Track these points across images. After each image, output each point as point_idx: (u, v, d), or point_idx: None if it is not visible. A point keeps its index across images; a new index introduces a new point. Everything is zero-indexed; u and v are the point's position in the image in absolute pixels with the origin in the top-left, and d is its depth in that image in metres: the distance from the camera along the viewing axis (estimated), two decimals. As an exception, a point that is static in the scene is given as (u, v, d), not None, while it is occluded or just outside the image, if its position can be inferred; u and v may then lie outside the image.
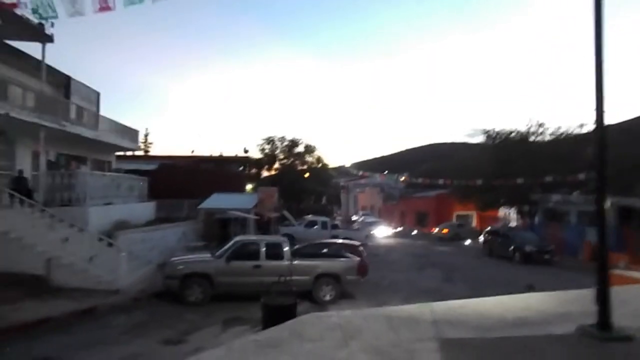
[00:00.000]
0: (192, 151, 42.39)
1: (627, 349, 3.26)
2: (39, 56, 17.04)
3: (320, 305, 12.71)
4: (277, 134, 40.71)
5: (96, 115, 23.14)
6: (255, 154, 40.59)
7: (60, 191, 15.25)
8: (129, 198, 20.55)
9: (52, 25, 15.34)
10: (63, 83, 21.72)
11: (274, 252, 12.84)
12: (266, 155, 39.42)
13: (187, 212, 25.03)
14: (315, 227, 27.44)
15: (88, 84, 23.99)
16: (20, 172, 14.77)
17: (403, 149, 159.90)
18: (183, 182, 27.65)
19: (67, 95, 21.62)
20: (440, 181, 33.36)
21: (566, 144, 29.67)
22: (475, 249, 28.82)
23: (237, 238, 13.50)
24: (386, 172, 56.77)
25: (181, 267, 12.28)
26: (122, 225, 17.15)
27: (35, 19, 12.17)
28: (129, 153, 33.74)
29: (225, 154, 42.70)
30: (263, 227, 23.63)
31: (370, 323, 5.44)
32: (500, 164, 30.68)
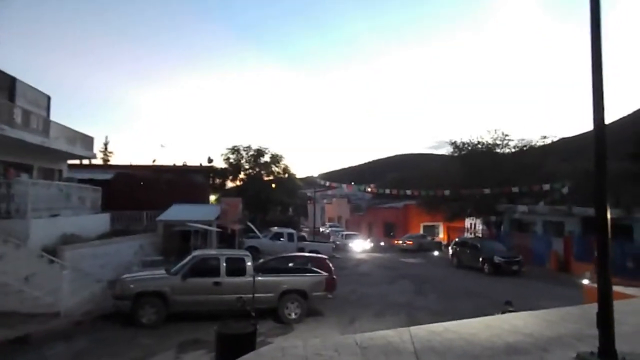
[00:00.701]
0: (154, 160, 40.49)
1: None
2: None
3: (285, 324, 11.83)
4: (242, 143, 39.57)
5: (45, 120, 21.56)
6: (220, 163, 39.28)
7: (-6, 202, 13.77)
8: (81, 209, 19.07)
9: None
10: (7, 85, 20.09)
11: (236, 267, 11.88)
12: (231, 165, 38.12)
13: (146, 224, 23.63)
14: (281, 239, 26.50)
15: (39, 87, 22.35)
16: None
17: (369, 159, 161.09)
18: (142, 192, 26.19)
19: (12, 98, 20.02)
20: (408, 191, 33.15)
21: (530, 155, 30.11)
22: (444, 259, 28.57)
23: (196, 253, 12.45)
24: (353, 182, 56.52)
25: (132, 285, 11.12)
26: (70, 240, 15.70)
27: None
28: (86, 162, 32.07)
29: (190, 164, 41.22)
30: (226, 239, 22.51)
31: (343, 355, 4.59)
32: (467, 174, 30.83)
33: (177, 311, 11.34)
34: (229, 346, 5.92)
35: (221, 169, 38.27)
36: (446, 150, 34.49)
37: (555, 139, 32.88)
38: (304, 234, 34.63)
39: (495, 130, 31.55)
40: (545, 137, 31.07)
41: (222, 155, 38.48)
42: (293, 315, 12.03)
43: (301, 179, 52.82)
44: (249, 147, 38.90)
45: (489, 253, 22.44)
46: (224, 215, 21.07)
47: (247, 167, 38.81)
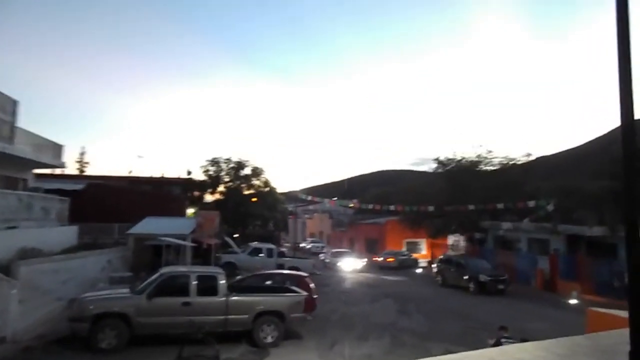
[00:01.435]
0: (130, 172, 39.18)
1: None
2: None
3: (260, 348, 10.87)
4: (222, 155, 38.65)
5: (10, 125, 20.37)
6: (200, 176, 38.18)
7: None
8: (45, 221, 17.85)
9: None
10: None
11: (207, 286, 10.91)
12: (210, 177, 37.09)
13: (117, 237, 22.42)
14: (260, 255, 25.48)
15: (16, 95, 21.14)
16: None
17: (352, 175, 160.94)
18: (115, 204, 24.96)
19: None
20: (391, 207, 32.58)
21: (513, 172, 29.94)
22: (428, 277, 27.88)
23: (164, 270, 11.43)
24: (336, 198, 55.77)
25: (91, 306, 10.04)
26: (30, 254, 14.51)
27: None
28: (60, 171, 30.63)
29: (169, 176, 40.03)
30: (202, 254, 21.43)
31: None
32: (451, 190, 30.47)
33: (142, 334, 10.29)
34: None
35: (200, 181, 37.21)
36: (428, 167, 34.27)
37: (533, 158, 32.93)
38: (284, 249, 33.58)
39: (480, 147, 31.41)
40: (529, 155, 31.07)
41: (201, 167, 37.51)
42: (269, 339, 11.08)
43: (283, 194, 51.89)
44: (229, 160, 38.02)
45: (475, 271, 21.83)
46: (200, 229, 20.04)
47: (226, 179, 37.84)
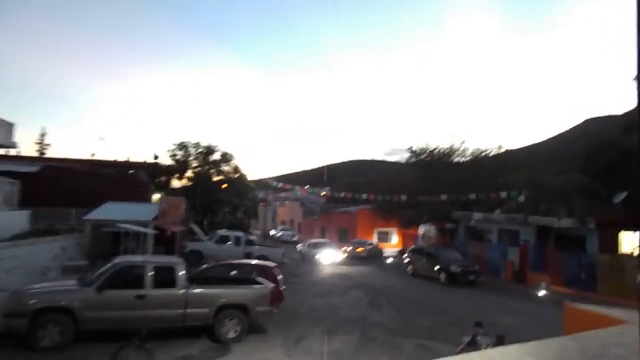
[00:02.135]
0: (93, 155, 37.32)
1: None
2: None
3: (222, 344, 10.13)
4: (191, 140, 37.26)
5: None
6: (167, 161, 36.71)
7: None
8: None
9: None
10: None
11: (165, 277, 10.05)
12: (177, 162, 35.73)
13: (75, 223, 21.09)
14: (228, 243, 24.57)
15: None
16: None
17: (324, 164, 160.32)
18: (73, 187, 23.49)
19: None
20: (364, 196, 32.17)
21: (486, 163, 29.93)
22: (399, 267, 27.60)
23: (117, 259, 10.48)
24: (307, 186, 55.10)
25: (32, 300, 9.04)
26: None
27: None
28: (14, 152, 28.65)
29: (134, 160, 38.32)
30: (165, 243, 20.40)
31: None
32: (423, 180, 30.25)
33: (90, 330, 9.39)
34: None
35: (167, 166, 35.80)
36: (401, 157, 33.97)
37: (504, 150, 33.07)
38: (253, 237, 32.72)
39: (453, 138, 31.26)
40: (500, 147, 31.15)
41: (168, 151, 36.07)
42: (232, 334, 10.35)
43: (254, 181, 50.87)
44: (197, 144, 36.70)
45: (446, 262, 21.59)
46: (163, 216, 18.99)
47: (195, 165, 36.57)
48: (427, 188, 28.82)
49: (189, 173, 36.32)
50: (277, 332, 11.32)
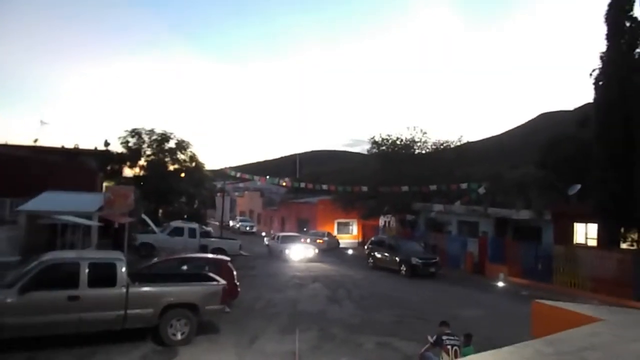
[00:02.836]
0: (36, 140, 34.70)
1: None
2: None
3: (168, 346, 9.24)
4: (145, 126, 35.26)
5: None
6: (119, 148, 34.60)
7: None
8: None
9: None
10: None
11: (103, 275, 8.99)
12: (130, 149, 33.74)
13: (9, 214, 19.35)
14: (182, 235, 23.37)
15: None
16: None
17: (284, 154, 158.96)
18: (9, 175, 21.54)
19: None
20: (324, 186, 31.58)
21: (446, 155, 30.00)
22: (359, 259, 27.27)
23: (46, 256, 9.30)
24: (268, 176, 53.97)
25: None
26: None
27: None
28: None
29: (82, 147, 35.98)
30: (112, 235, 19.03)
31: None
32: (384, 172, 29.98)
33: (11, 338, 8.26)
34: None
35: (118, 153, 33.77)
36: (362, 148, 33.59)
37: (461, 142, 33.39)
38: (210, 228, 31.54)
39: (414, 128, 31.09)
40: (461, 138, 31.32)
41: (119, 138, 33.99)
42: (179, 336, 9.45)
43: (213, 171, 49.23)
44: (152, 131, 34.78)
45: (406, 254, 21.35)
46: (109, 206, 17.62)
47: (149, 153, 34.70)
48: (388, 179, 28.57)
49: (142, 161, 34.43)
50: (230, 332, 10.53)
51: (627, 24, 17.73)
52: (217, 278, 10.73)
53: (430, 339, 7.48)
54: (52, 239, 16.58)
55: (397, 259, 21.62)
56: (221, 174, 50.64)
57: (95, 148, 35.22)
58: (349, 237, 39.96)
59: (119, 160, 33.78)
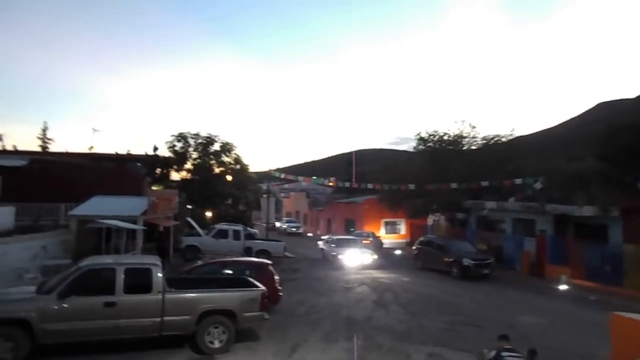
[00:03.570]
0: (91, 148, 36.16)
1: None
2: None
3: (206, 355, 8.90)
4: (192, 130, 35.91)
5: None
6: (166, 152, 35.42)
7: None
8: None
9: None
10: None
11: (139, 281, 8.78)
12: (176, 153, 34.43)
13: (63, 219, 19.96)
14: (226, 237, 23.38)
15: None
16: None
17: (330, 154, 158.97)
18: (63, 182, 22.33)
19: None
20: (369, 185, 30.77)
21: (498, 150, 28.35)
22: (407, 260, 26.27)
23: (85, 262, 9.23)
24: (314, 177, 53.73)
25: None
26: None
27: None
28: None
29: (134, 153, 37.13)
30: (158, 239, 19.22)
31: None
32: (432, 168, 28.76)
33: (50, 343, 8.18)
34: None
35: (165, 158, 34.54)
36: (408, 146, 32.43)
37: (513, 136, 31.53)
38: (255, 230, 31.50)
39: (462, 122, 29.60)
40: (512, 132, 29.55)
41: (167, 143, 34.78)
42: (217, 344, 9.10)
43: (258, 173, 49.52)
44: (197, 135, 35.37)
45: (457, 254, 20.20)
46: (153, 210, 17.74)
47: (194, 156, 35.28)
48: (436, 176, 27.36)
49: (189, 165, 35.05)
50: (270, 339, 10.06)
51: None
52: (257, 283, 10.30)
53: (488, 354, 6.65)
54: (99, 243, 16.87)
55: (447, 259, 20.51)
56: (266, 175, 50.92)
57: (145, 153, 36.21)
58: (397, 237, 38.91)
59: (166, 164, 34.53)
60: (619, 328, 6.13)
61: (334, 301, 14.69)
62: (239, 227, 24.47)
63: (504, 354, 6.33)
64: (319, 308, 13.56)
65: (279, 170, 55.52)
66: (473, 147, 29.89)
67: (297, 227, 50.23)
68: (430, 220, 32.62)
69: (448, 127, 30.68)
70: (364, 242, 29.12)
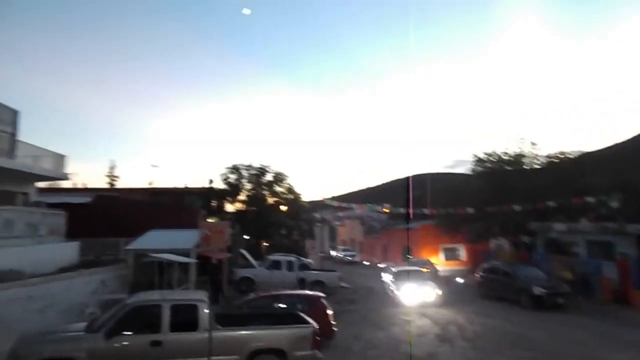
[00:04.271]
0: (150, 183, 37.73)
1: None
2: None
3: (256, 398, 8.35)
4: (243, 162, 36.60)
5: (10, 137, 19.17)
6: (220, 184, 36.18)
7: None
8: (32, 238, 16.07)
9: None
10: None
11: (185, 318, 8.47)
12: (230, 185, 35.04)
13: (121, 253, 20.53)
14: (280, 268, 23.03)
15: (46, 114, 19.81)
16: None
17: (385, 181, 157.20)
18: (123, 217, 23.18)
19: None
20: (425, 211, 29.56)
21: (564, 167, 26.39)
22: (469, 288, 24.63)
23: (131, 299, 9.10)
24: (368, 204, 52.86)
25: (23, 352, 7.78)
26: (5, 277, 12.64)
27: None
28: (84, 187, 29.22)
29: (191, 186, 38.29)
30: (211, 271, 19.16)
31: None
32: (491, 190, 27.16)
33: (100, 383, 7.98)
34: None
35: (220, 190, 35.22)
36: (464, 168, 30.96)
37: (583, 152, 29.33)
38: (310, 260, 30.96)
39: (522, 140, 27.92)
40: (580, 147, 27.50)
41: (221, 175, 35.54)
42: (267, 385, 8.54)
43: (311, 202, 49.47)
44: (250, 166, 35.91)
45: (526, 282, 18.52)
46: (206, 243, 17.75)
47: (248, 187, 35.73)
48: (496, 198, 25.77)
49: (242, 196, 35.50)
50: (325, 380, 9.36)
51: None
52: (308, 319, 9.70)
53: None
54: (154, 277, 17.01)
55: (515, 287, 18.87)
56: (320, 204, 50.71)
57: (202, 187, 37.15)
58: (457, 263, 36.96)
59: (221, 196, 35.16)
60: None
61: (392, 335, 13.73)
62: (292, 258, 24.07)
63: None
64: (376, 343, 12.68)
65: (332, 198, 55.16)
66: (535, 166, 28.06)
67: (353, 256, 49.26)
68: (492, 244, 30.70)
69: (506, 146, 29.08)
70: (424, 270, 27.10)
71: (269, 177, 35.91)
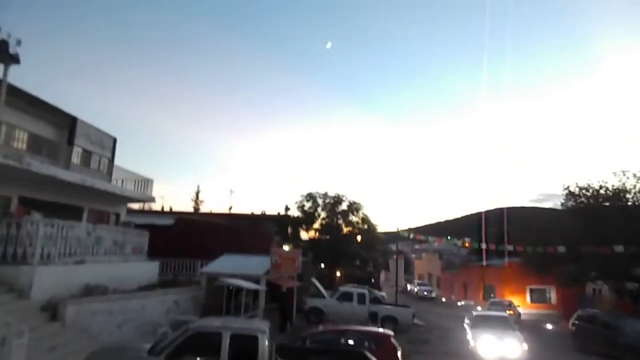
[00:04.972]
0: (230, 208, 39.23)
1: None
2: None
3: None
4: (319, 190, 36.85)
5: (108, 161, 21.08)
6: (296, 212, 36.66)
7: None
8: (118, 256, 17.06)
9: (19, 43, 12.92)
10: (67, 124, 19.45)
11: (244, 348, 8.24)
12: (305, 213, 35.31)
13: (197, 275, 21.25)
14: (351, 300, 22.34)
15: (104, 129, 21.78)
16: None
17: (466, 213, 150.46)
18: (201, 239, 24.18)
19: (71, 137, 19.42)
20: (510, 247, 27.41)
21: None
22: (561, 337, 22.13)
23: (193, 325, 9.04)
24: (447, 237, 50.61)
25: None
26: (95, 291, 13.48)
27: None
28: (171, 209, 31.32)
29: (269, 213, 39.29)
30: (280, 299, 19.04)
31: None
32: (586, 228, 24.48)
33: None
34: None
35: (295, 217, 35.63)
36: (553, 203, 28.32)
37: None
38: (383, 293, 29.89)
39: (624, 173, 25.02)
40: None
41: (296, 203, 36.00)
42: None
43: (387, 233, 48.39)
44: (325, 195, 36.00)
45: (634, 337, 16.01)
46: (276, 270, 17.72)
47: (322, 215, 35.77)
48: (593, 237, 23.16)
49: (317, 224, 35.57)
50: None
51: None
52: (371, 358, 9.06)
53: None
54: (225, 301, 17.20)
55: (620, 344, 16.41)
56: (395, 236, 49.43)
57: (278, 213, 37.85)
58: (545, 306, 33.80)
59: (296, 223, 35.51)
60: None
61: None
62: (364, 290, 23.26)
63: None
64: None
65: (409, 230, 53.54)
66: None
67: (430, 291, 46.95)
68: (589, 289, 27.59)
69: (603, 179, 26.26)
70: (508, 313, 24.39)
71: (344, 206, 35.74)
